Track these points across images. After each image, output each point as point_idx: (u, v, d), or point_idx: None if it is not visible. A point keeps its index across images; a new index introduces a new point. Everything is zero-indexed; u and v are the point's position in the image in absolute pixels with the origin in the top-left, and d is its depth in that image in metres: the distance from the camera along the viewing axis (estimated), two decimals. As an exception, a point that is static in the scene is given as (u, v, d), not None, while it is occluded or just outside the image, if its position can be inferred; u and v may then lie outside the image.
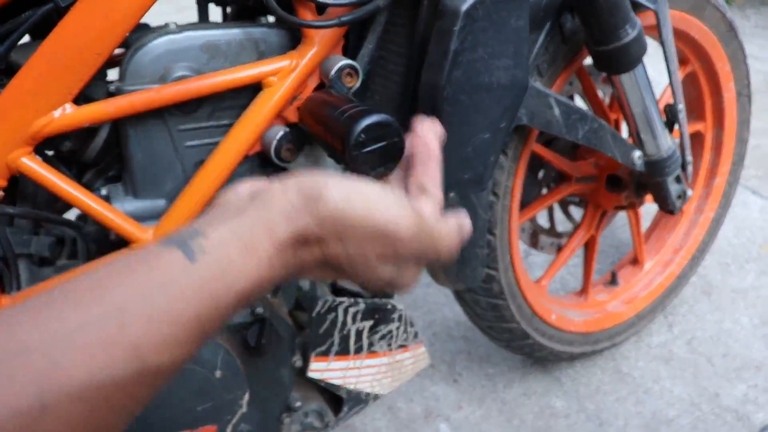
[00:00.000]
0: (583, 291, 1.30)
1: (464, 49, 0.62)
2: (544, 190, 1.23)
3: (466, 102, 0.64)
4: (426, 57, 0.63)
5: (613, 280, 1.33)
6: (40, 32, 0.63)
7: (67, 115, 0.61)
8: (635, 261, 1.36)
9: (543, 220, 1.43)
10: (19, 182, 0.73)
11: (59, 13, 0.60)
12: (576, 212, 1.37)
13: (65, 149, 0.71)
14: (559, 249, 1.26)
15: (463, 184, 0.69)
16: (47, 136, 0.62)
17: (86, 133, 0.72)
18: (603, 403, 1.26)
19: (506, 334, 1.13)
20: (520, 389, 1.29)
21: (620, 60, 0.88)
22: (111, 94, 0.66)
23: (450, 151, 0.66)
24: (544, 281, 1.22)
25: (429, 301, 1.49)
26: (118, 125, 0.68)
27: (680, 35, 1.13)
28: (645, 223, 1.38)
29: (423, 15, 0.65)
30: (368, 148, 0.52)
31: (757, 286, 1.51)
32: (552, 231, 1.28)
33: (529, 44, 0.79)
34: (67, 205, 0.76)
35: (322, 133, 0.58)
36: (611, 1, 0.82)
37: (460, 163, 0.67)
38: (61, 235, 0.75)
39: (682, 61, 1.21)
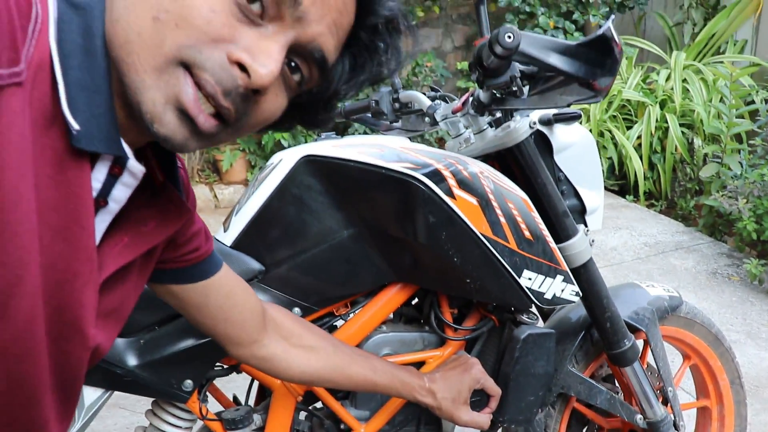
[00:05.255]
0: None
1: (521, 356, 1.30)
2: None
3: (519, 380, 1.31)
4: (502, 361, 1.33)
5: None
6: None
7: None
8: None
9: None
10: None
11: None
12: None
13: None
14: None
15: (517, 422, 1.34)
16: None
17: None
18: None
19: None
20: None
21: (622, 359, 1.53)
22: None
23: (509, 405, 1.33)
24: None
25: None
26: None
27: (679, 341, 1.76)
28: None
29: (504, 335, 1.36)
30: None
31: None
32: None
33: (569, 342, 1.47)
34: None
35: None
36: (613, 327, 1.49)
37: (517, 411, 1.33)
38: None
39: (687, 356, 1.82)
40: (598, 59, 1.03)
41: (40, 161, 0.53)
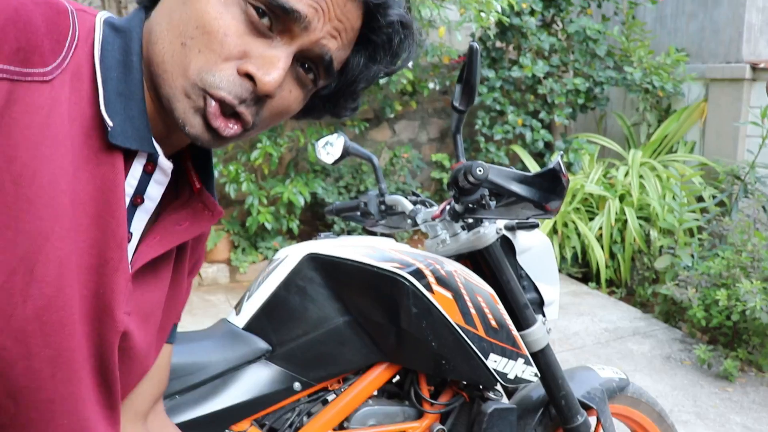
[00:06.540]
0: None
1: (488, 427, 1.53)
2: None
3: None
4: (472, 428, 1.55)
5: None
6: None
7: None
8: None
9: None
10: None
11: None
12: None
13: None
14: None
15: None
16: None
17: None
18: None
19: None
20: None
21: (576, 433, 1.76)
22: None
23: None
24: None
25: None
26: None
27: (628, 418, 2.00)
28: None
29: (473, 409, 1.59)
30: None
31: None
32: None
33: (530, 417, 1.70)
34: None
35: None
36: (568, 404, 1.72)
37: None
38: None
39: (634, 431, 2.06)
40: (549, 187, 1.31)
41: (79, 159, 0.63)
